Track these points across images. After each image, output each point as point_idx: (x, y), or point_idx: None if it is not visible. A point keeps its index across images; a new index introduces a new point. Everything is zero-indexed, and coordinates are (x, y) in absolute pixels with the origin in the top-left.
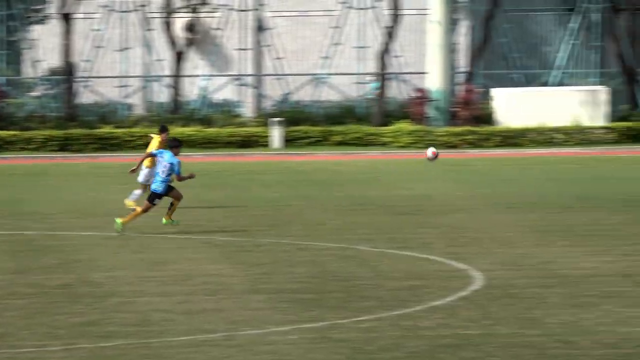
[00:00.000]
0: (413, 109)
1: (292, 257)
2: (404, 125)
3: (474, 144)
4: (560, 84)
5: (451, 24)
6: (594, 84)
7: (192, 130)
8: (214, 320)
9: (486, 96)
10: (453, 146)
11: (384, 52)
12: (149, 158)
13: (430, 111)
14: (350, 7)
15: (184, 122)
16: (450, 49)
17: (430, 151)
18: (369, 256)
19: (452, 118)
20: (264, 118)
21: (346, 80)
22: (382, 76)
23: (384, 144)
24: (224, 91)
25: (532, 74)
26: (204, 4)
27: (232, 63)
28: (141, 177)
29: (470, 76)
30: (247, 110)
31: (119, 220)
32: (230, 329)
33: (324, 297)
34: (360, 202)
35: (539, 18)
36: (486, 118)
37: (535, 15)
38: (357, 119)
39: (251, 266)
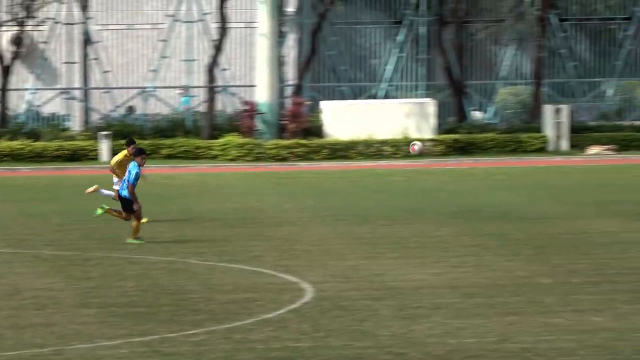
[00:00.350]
0: (242, 122)
1: (123, 271)
2: (233, 139)
3: (303, 157)
4: (389, 96)
5: (279, 37)
6: (422, 96)
7: (19, 144)
8: (43, 335)
9: (315, 109)
10: (282, 159)
11: (212, 65)
12: (118, 170)
13: (259, 124)
14: (177, 20)
15: (11, 136)
16: (279, 62)
17: (418, 146)
18: (199, 269)
19: (281, 131)
20: (92, 131)
21: (175, 94)
22: (211, 89)
23: (213, 157)
24: (51, 105)
25: (361, 87)
26: (30, 17)
27: (60, 76)
28: (116, 186)
29: (298, 89)
30: (75, 124)
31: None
32: (60, 344)
33: (154, 311)
34: (190, 215)
35: (366, 31)
36: (315, 131)
37: (363, 28)
38: (186, 132)
39: (81, 280)
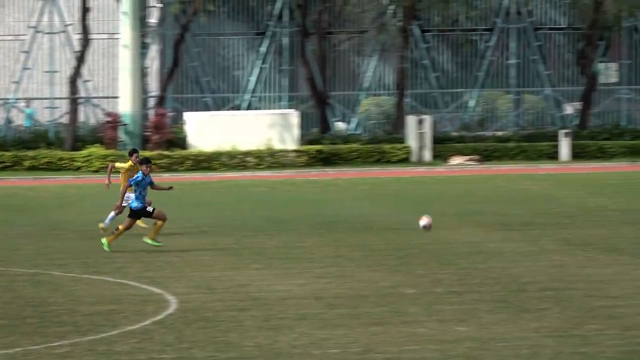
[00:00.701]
0: (105, 133)
1: None
2: (96, 150)
3: (167, 168)
4: (252, 107)
5: (141, 48)
6: (285, 107)
7: None
8: None
9: (178, 120)
10: None
11: (75, 77)
12: (125, 180)
13: (122, 135)
14: (39, 32)
15: None
16: (141, 73)
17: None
18: (63, 281)
19: (144, 142)
20: None
21: (37, 105)
22: (74, 101)
23: (76, 169)
24: None
25: (224, 98)
26: None
27: None
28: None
29: (161, 100)
30: None
31: (104, 240)
32: None
33: (18, 323)
34: (53, 227)
35: (229, 42)
36: (178, 142)
37: (226, 39)
38: (49, 143)
39: None
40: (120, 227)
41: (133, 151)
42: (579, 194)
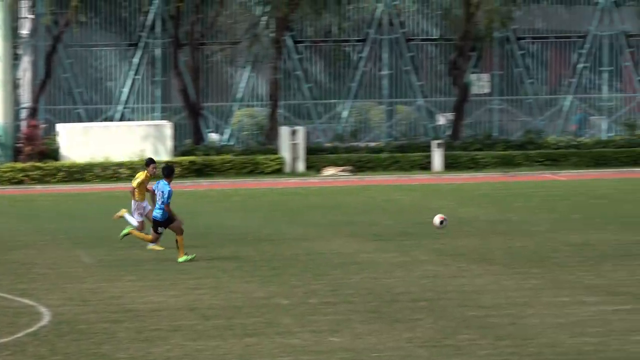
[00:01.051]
0: None
1: None
2: None
3: (39, 180)
4: (125, 119)
5: (13, 59)
6: (158, 118)
7: None
8: None
9: (50, 132)
10: (18, 182)
11: None
12: (137, 191)
13: None
14: None
15: None
16: (13, 85)
17: (438, 219)
18: None
19: (17, 154)
20: None
21: None
22: None
23: None
24: None
25: (97, 109)
26: None
27: None
28: (135, 212)
29: (34, 112)
30: None
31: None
32: None
33: None
34: None
35: (101, 53)
36: (51, 153)
37: (98, 51)
38: None
39: None
40: (179, 238)
41: (150, 161)
42: (451, 204)
